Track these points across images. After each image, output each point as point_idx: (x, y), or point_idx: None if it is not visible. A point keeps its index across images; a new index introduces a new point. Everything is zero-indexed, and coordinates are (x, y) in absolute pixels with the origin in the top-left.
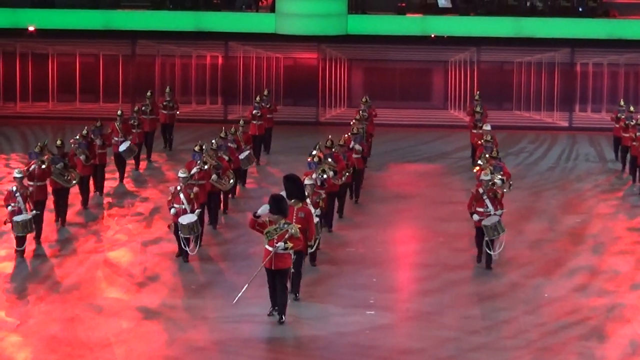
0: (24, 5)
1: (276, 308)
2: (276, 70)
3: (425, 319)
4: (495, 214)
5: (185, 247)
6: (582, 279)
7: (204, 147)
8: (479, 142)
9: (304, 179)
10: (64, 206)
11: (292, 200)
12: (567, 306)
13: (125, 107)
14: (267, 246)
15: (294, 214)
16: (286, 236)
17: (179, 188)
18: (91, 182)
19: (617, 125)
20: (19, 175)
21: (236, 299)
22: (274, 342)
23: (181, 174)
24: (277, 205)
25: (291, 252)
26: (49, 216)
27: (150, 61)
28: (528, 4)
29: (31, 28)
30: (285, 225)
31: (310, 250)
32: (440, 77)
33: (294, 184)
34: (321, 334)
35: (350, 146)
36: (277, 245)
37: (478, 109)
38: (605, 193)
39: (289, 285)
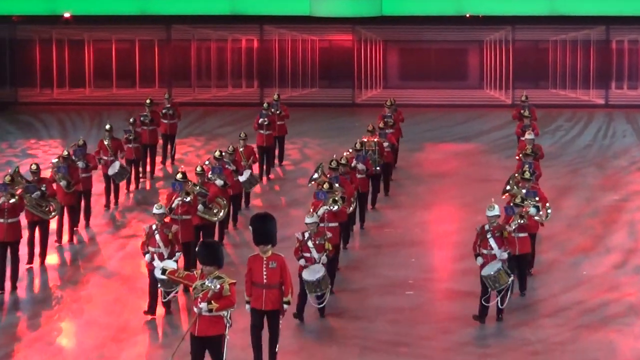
0: None
1: None
2: (311, 52)
3: (464, 298)
4: (499, 259)
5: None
6: (620, 256)
7: (186, 175)
8: (518, 155)
9: (307, 216)
10: (42, 241)
11: (260, 246)
12: (605, 283)
13: (162, 92)
14: (194, 307)
15: (264, 265)
16: (209, 295)
17: (154, 227)
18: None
19: None
20: None
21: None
22: (312, 321)
23: (156, 210)
24: (206, 254)
25: (223, 314)
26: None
27: (186, 46)
28: None
29: (67, 15)
30: (216, 280)
31: (286, 307)
32: (475, 57)
33: (263, 225)
34: (362, 313)
35: (353, 165)
36: (200, 306)
37: (526, 112)
38: None
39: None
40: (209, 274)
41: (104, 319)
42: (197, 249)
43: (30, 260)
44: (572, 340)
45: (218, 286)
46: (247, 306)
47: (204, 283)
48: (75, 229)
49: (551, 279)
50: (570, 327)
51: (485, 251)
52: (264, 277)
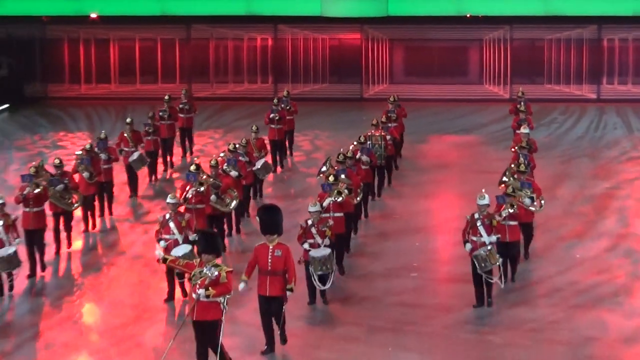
0: None
1: None
2: (322, 50)
3: (464, 280)
4: (489, 243)
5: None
6: (611, 240)
7: (200, 166)
8: (514, 147)
9: (310, 205)
10: (66, 230)
11: (266, 236)
12: (597, 266)
13: (182, 87)
14: (192, 293)
15: (269, 253)
16: (206, 282)
17: (167, 216)
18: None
19: None
20: None
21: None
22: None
23: (170, 200)
24: (205, 243)
25: (220, 300)
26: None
27: (205, 44)
28: None
29: (93, 15)
30: (214, 268)
31: (289, 294)
32: (475, 54)
33: (270, 216)
34: (370, 295)
35: (357, 157)
36: (198, 292)
37: (522, 107)
38: (632, 160)
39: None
40: (207, 262)
41: (127, 300)
42: (196, 238)
43: (57, 247)
44: (566, 319)
45: (216, 274)
46: (241, 284)
47: (202, 271)
48: (99, 217)
49: (546, 261)
50: (565, 306)
51: (474, 238)
52: (269, 264)
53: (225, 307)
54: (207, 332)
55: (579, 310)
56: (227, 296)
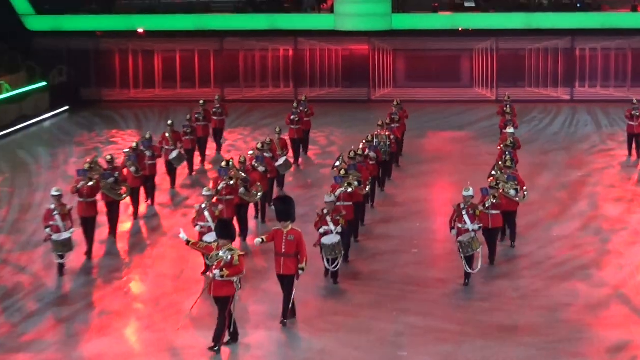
0: (134, 12)
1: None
2: (335, 59)
3: (457, 255)
4: (472, 230)
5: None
6: (583, 221)
7: (230, 163)
8: (500, 145)
9: (326, 195)
10: (115, 219)
11: (281, 223)
12: (571, 243)
13: (216, 92)
14: (209, 272)
15: (283, 237)
16: (222, 263)
17: (203, 206)
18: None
19: (632, 123)
20: (56, 194)
21: (180, 324)
22: (341, 277)
23: (205, 192)
24: (222, 230)
25: (234, 279)
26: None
27: (235, 54)
28: (536, 1)
29: (140, 30)
30: (228, 252)
31: (301, 273)
32: (466, 62)
33: (285, 206)
34: (377, 269)
35: (365, 154)
36: (214, 272)
37: (508, 109)
38: (601, 152)
39: (233, 312)
40: (223, 246)
41: (169, 273)
42: (215, 226)
43: (109, 230)
44: (545, 288)
45: (229, 257)
46: (257, 240)
47: (218, 254)
48: (148, 203)
49: (528, 239)
50: (543, 277)
51: (460, 225)
52: (283, 247)
53: (239, 285)
54: (219, 305)
55: (555, 280)
56: (240, 276)
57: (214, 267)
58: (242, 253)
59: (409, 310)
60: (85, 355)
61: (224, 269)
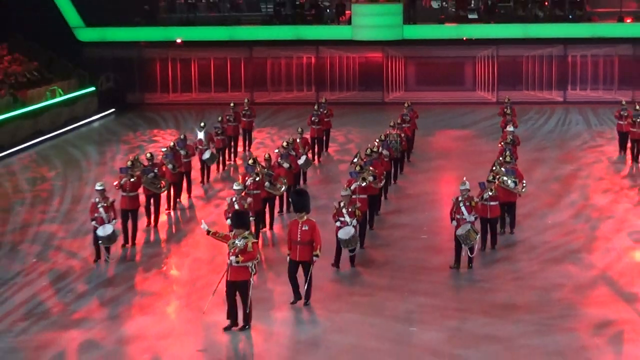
0: (174, 24)
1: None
2: (352, 65)
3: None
4: (468, 221)
5: None
6: (575, 209)
7: (256, 161)
8: (501, 143)
9: (342, 190)
10: (155, 211)
11: (297, 214)
12: (564, 229)
13: (247, 95)
14: (227, 259)
15: (299, 227)
16: (237, 250)
17: (234, 199)
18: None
19: (621, 122)
20: (99, 188)
21: (205, 307)
22: (357, 262)
23: (236, 187)
24: (237, 220)
25: (249, 265)
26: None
27: (263, 62)
28: (533, 13)
29: (178, 41)
30: (243, 240)
31: (315, 259)
32: (470, 68)
33: (300, 198)
34: (390, 254)
35: (379, 151)
36: (230, 258)
37: (508, 110)
38: (591, 148)
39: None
40: (239, 234)
41: (204, 257)
42: (230, 216)
43: (149, 221)
44: (540, 270)
45: (244, 244)
46: (288, 257)
47: (234, 242)
48: (178, 199)
49: (525, 226)
50: (539, 260)
51: (458, 216)
52: (299, 236)
53: (254, 269)
54: (239, 290)
55: (549, 263)
56: (255, 261)
57: (230, 253)
58: (255, 240)
59: (419, 291)
60: (129, 332)
61: (239, 255)
